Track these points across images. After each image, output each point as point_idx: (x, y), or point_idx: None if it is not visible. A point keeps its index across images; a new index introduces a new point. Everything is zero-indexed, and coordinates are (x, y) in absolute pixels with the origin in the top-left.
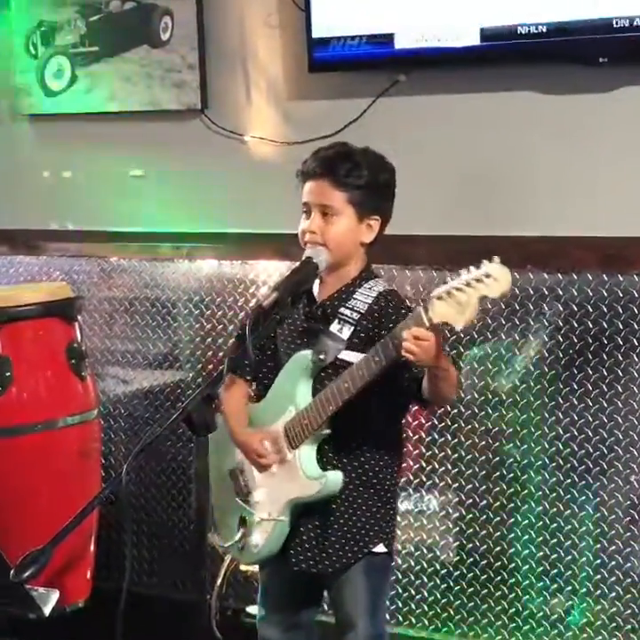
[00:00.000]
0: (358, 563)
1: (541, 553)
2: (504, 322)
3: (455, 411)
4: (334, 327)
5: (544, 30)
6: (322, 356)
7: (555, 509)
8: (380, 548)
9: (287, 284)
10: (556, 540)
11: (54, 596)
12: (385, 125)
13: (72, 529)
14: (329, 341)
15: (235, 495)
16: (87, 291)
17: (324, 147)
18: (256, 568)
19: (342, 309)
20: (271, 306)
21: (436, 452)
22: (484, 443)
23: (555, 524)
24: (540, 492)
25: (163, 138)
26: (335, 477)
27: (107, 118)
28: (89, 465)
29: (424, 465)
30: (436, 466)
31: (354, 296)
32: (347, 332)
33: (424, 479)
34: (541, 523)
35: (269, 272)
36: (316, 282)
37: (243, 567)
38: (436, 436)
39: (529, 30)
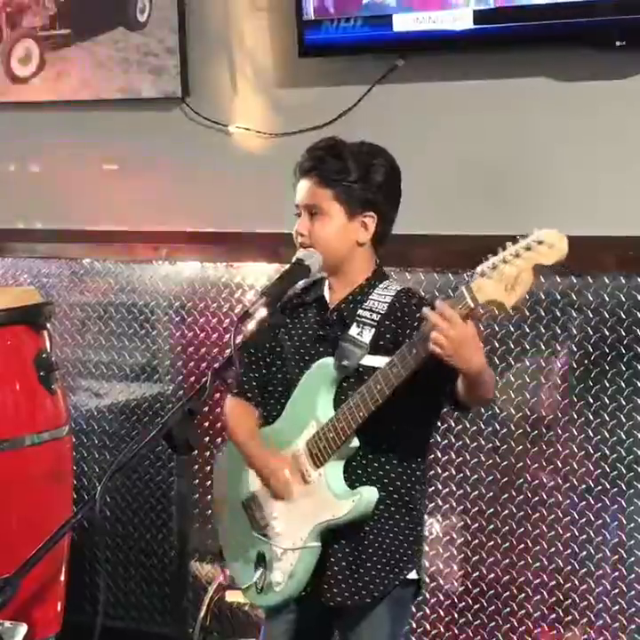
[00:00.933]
0: (393, 591)
1: (554, 582)
2: (513, 329)
3: (460, 426)
4: (353, 331)
5: (554, 10)
6: (345, 363)
7: (569, 534)
8: (413, 575)
9: (276, 288)
10: (570, 568)
11: (22, 630)
12: (382, 115)
13: (41, 557)
14: (350, 346)
15: (250, 530)
16: (57, 295)
17: (315, 142)
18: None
19: (360, 311)
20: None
21: (439, 471)
22: (491, 461)
23: (569, 551)
24: (553, 516)
25: (140, 129)
26: (369, 494)
27: (78, 107)
28: (59, 487)
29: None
30: (440, 487)
31: (370, 297)
32: (368, 336)
33: (426, 501)
34: (554, 549)
35: (257, 275)
36: (326, 287)
37: (228, 598)
38: (439, 454)
39: (538, 11)
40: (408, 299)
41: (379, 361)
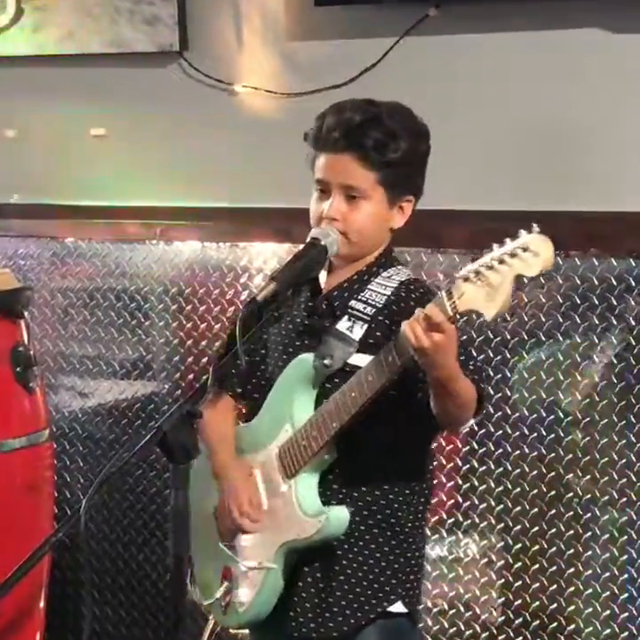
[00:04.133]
0: (370, 626)
1: (608, 611)
2: (562, 320)
3: (500, 432)
4: (343, 325)
5: None
6: (327, 361)
7: (626, 557)
8: (398, 608)
9: (288, 272)
10: (627, 596)
11: None
12: (411, 72)
13: (17, 581)
14: (336, 342)
15: (218, 539)
16: (36, 280)
17: (344, 104)
18: (247, 631)
19: (353, 303)
20: (268, 300)
21: (476, 483)
22: (535, 472)
23: (626, 576)
24: (608, 535)
25: (131, 87)
26: (339, 514)
27: (61, 63)
28: (38, 499)
29: (460, 500)
30: (476, 501)
31: (368, 286)
32: (359, 331)
33: (460, 518)
34: (608, 573)
35: (265, 257)
36: (324, 271)
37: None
38: (476, 465)
39: None
40: (408, 292)
41: (368, 361)
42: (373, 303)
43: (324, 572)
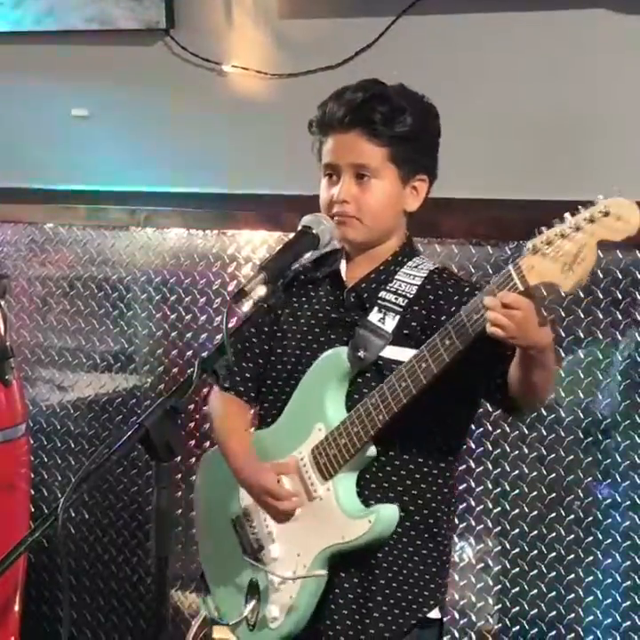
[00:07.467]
0: (410, 634)
1: (610, 619)
2: (564, 314)
3: (498, 431)
4: (374, 316)
5: None
6: (361, 354)
7: (629, 563)
8: (435, 614)
9: (278, 262)
10: (629, 603)
11: None
12: (409, 53)
13: None
14: (369, 335)
15: (241, 553)
16: (13, 268)
17: (346, 87)
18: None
19: (383, 294)
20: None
21: (473, 485)
22: (535, 474)
23: (629, 582)
24: (610, 540)
25: (115, 66)
26: (389, 513)
27: (41, 40)
28: (13, 498)
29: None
30: (473, 503)
31: (396, 277)
32: (391, 323)
33: (456, 521)
34: (611, 580)
35: (254, 245)
36: (343, 262)
37: (216, 634)
38: (473, 465)
39: None
40: (443, 280)
41: (403, 353)
42: (404, 294)
43: (363, 577)
